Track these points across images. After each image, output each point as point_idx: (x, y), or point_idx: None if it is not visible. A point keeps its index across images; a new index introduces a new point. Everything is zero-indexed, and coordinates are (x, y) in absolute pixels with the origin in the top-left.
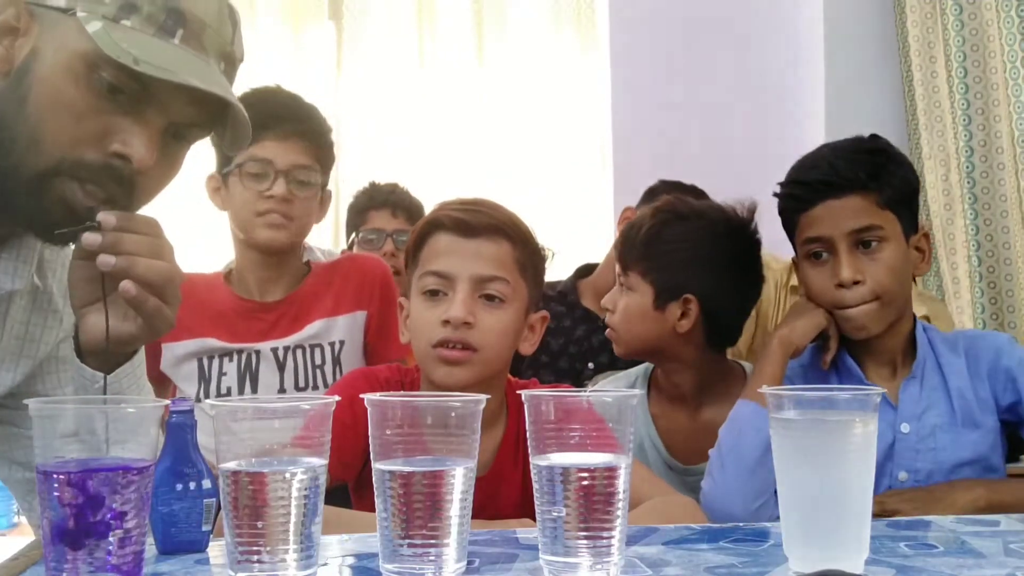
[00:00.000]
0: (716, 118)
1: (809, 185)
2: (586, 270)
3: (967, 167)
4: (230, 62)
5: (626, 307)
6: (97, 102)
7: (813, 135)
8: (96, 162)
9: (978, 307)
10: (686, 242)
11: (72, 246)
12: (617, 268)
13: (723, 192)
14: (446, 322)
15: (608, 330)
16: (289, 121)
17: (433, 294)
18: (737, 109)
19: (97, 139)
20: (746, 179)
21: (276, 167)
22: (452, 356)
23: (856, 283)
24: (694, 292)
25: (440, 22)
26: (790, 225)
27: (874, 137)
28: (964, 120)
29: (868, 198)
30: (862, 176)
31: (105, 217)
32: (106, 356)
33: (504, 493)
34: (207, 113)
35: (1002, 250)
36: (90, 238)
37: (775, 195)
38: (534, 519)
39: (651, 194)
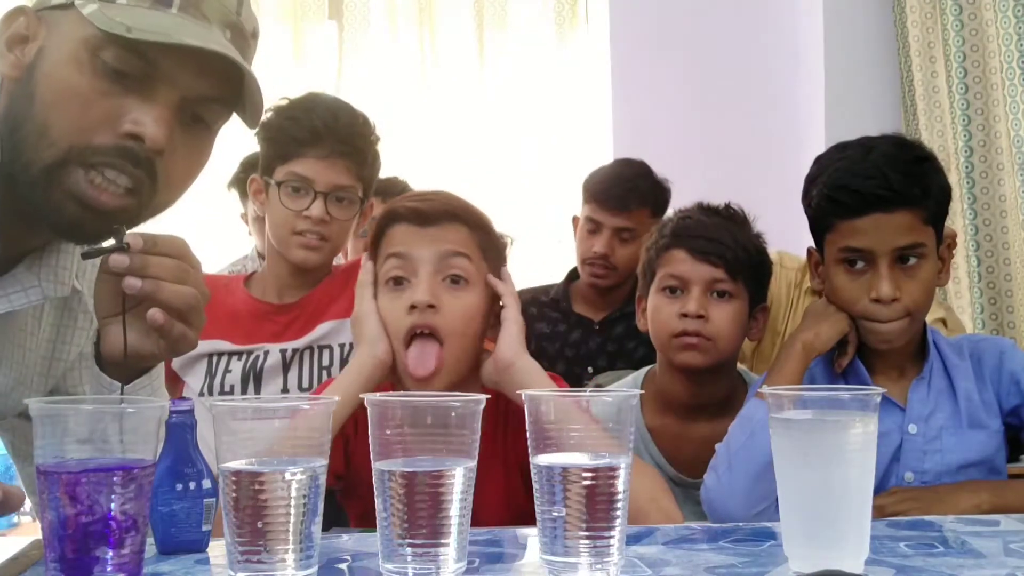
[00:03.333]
0: (716, 118)
1: (861, 195)
2: (576, 274)
3: (966, 167)
4: (238, 32)
5: (731, 314)
6: (103, 86)
7: (813, 135)
8: (107, 145)
9: (977, 307)
10: (764, 253)
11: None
12: (694, 274)
13: (723, 193)
14: (412, 308)
15: (692, 338)
16: (332, 139)
17: (397, 283)
18: (737, 110)
19: (107, 123)
20: (746, 179)
21: (315, 187)
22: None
23: (893, 300)
24: (766, 300)
25: (441, 21)
26: (824, 226)
27: (917, 144)
28: (964, 120)
29: (916, 215)
30: (916, 192)
31: (133, 238)
32: (123, 368)
33: (487, 488)
34: (219, 85)
35: (1001, 250)
36: (117, 260)
37: (815, 196)
38: (522, 513)
39: (602, 175)
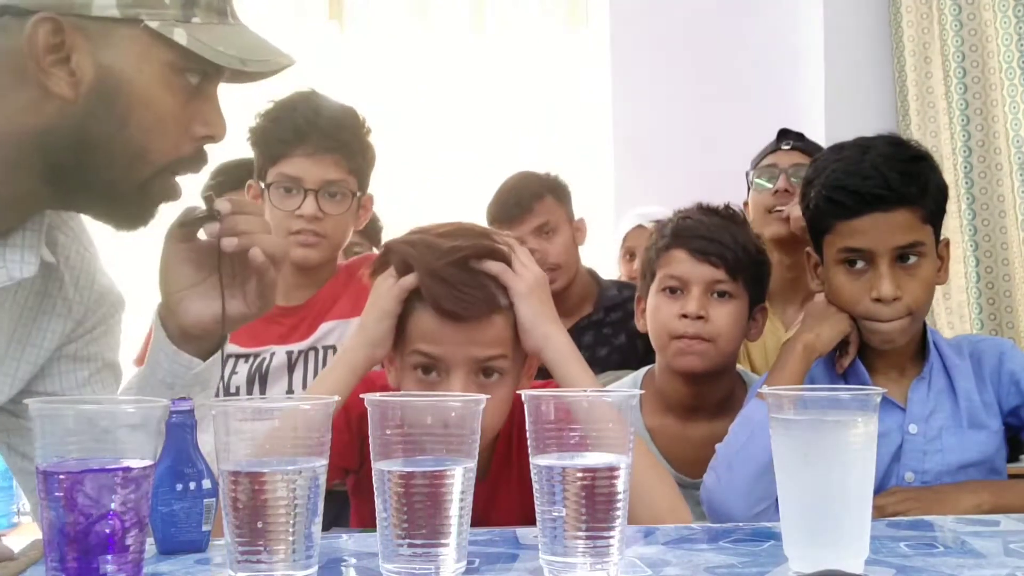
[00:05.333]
0: (716, 117)
1: (859, 195)
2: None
3: (965, 167)
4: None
5: (731, 315)
6: (185, 100)
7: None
8: (191, 154)
9: (975, 307)
10: (763, 252)
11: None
12: (694, 274)
13: (722, 191)
14: None
15: (691, 341)
16: (316, 136)
17: (425, 371)
18: (736, 109)
19: (186, 130)
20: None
21: (305, 185)
22: None
23: (894, 299)
24: (764, 300)
25: (440, 21)
26: (823, 227)
27: (913, 143)
28: (963, 120)
29: (915, 213)
30: (914, 191)
31: (222, 204)
32: (209, 340)
33: (502, 498)
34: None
35: (1000, 250)
36: (213, 227)
37: (812, 197)
38: (534, 523)
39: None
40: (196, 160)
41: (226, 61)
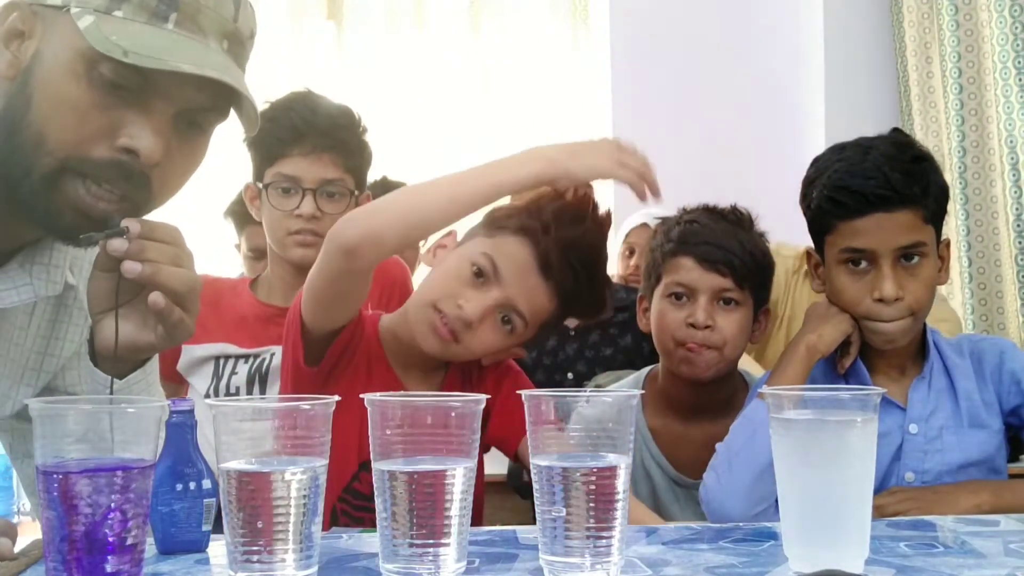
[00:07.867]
0: (716, 116)
1: (862, 195)
2: None
3: (959, 167)
4: (235, 40)
5: (738, 322)
6: (100, 98)
7: (812, 135)
8: (103, 159)
9: (968, 307)
10: (768, 255)
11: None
12: (702, 283)
13: (723, 191)
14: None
15: (698, 349)
16: (313, 135)
17: None
18: (737, 110)
19: (103, 136)
20: (745, 178)
21: (303, 185)
22: None
23: (896, 299)
24: (768, 302)
25: (439, 20)
26: (824, 227)
27: (914, 144)
28: (957, 120)
29: (917, 214)
30: (916, 191)
31: (131, 223)
32: (116, 363)
33: None
34: (215, 96)
35: (992, 251)
36: (115, 244)
37: (814, 197)
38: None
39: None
40: (110, 169)
41: (107, 49)
